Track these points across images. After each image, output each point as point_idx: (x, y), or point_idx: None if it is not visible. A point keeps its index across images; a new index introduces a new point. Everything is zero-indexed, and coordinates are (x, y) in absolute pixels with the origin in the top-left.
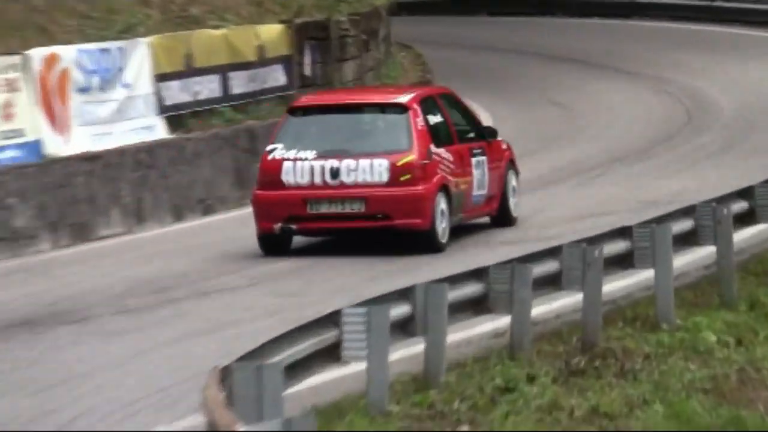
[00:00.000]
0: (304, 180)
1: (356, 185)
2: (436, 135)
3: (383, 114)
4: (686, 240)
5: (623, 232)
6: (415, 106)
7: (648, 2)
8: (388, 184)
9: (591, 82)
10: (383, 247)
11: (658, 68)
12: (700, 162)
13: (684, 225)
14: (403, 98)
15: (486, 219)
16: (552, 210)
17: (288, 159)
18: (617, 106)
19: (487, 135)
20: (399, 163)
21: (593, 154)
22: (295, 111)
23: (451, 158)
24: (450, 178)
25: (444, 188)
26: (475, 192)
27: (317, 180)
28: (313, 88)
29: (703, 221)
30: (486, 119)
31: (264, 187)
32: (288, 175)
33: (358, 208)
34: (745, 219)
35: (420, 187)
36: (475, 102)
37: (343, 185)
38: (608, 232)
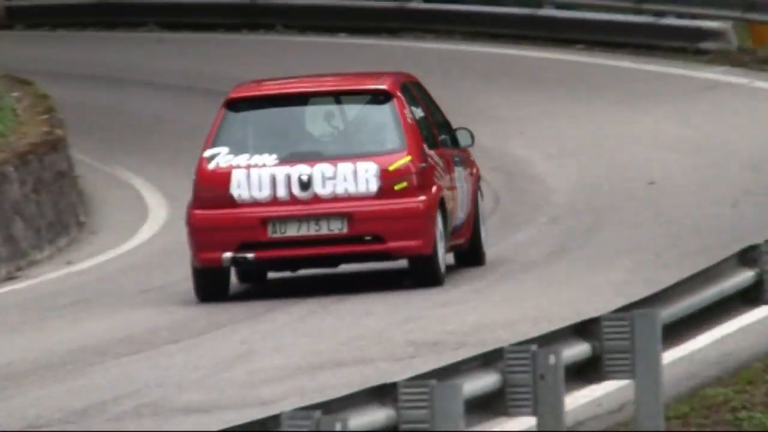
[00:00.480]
0: (263, 194)
1: (335, 198)
2: (423, 133)
3: (361, 104)
4: (489, 406)
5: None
6: (399, 93)
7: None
8: (377, 196)
9: None
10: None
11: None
12: (511, 277)
13: (483, 382)
14: (382, 84)
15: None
16: (266, 355)
17: (238, 167)
18: None
19: (460, 140)
20: (391, 168)
21: None
22: (236, 104)
23: (441, 164)
24: (445, 190)
25: (441, 203)
26: (458, 213)
27: (281, 193)
28: None
29: (514, 375)
30: (159, 206)
31: (204, 206)
32: (240, 189)
33: (338, 228)
34: (586, 369)
35: (419, 199)
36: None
37: (317, 198)
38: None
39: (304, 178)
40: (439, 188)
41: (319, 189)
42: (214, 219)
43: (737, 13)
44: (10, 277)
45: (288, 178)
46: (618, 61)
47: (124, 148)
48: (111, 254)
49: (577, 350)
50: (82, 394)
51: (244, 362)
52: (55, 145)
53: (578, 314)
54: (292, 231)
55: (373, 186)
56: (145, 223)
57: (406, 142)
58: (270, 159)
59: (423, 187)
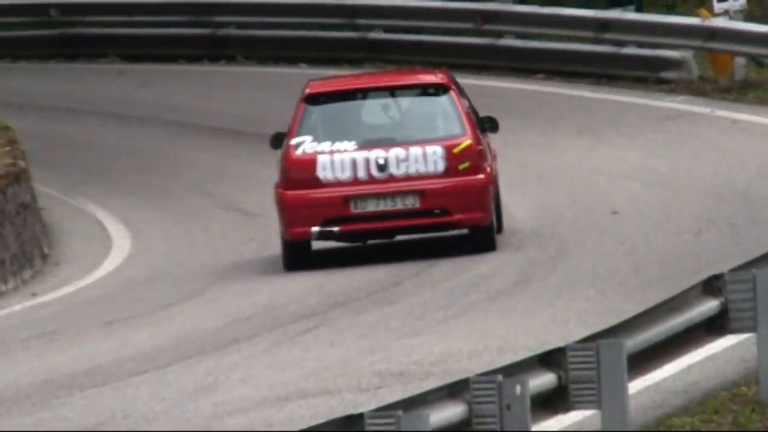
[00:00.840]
0: (346, 175)
1: (408, 177)
2: (474, 120)
3: (423, 96)
4: None
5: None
6: (452, 86)
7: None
8: (445, 174)
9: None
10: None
11: None
12: (476, 306)
13: (450, 412)
14: (439, 78)
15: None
16: (232, 386)
17: (323, 152)
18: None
19: (487, 127)
20: (456, 150)
21: (300, 296)
22: (314, 99)
23: (487, 148)
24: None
25: (494, 180)
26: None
27: (361, 174)
28: None
29: (481, 405)
30: (122, 238)
31: (293, 186)
32: (325, 171)
33: (411, 203)
34: (552, 399)
35: (480, 176)
36: (103, 209)
37: (392, 178)
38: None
39: (381, 161)
40: (491, 167)
41: (394, 170)
42: (303, 198)
43: (698, 42)
44: None
45: (367, 161)
46: (579, 90)
47: (86, 179)
48: (75, 286)
49: (542, 380)
50: (48, 426)
51: (209, 393)
52: (17, 177)
53: (543, 344)
54: (371, 207)
55: (441, 166)
56: (109, 254)
57: (466, 127)
58: (350, 145)
59: (481, 166)
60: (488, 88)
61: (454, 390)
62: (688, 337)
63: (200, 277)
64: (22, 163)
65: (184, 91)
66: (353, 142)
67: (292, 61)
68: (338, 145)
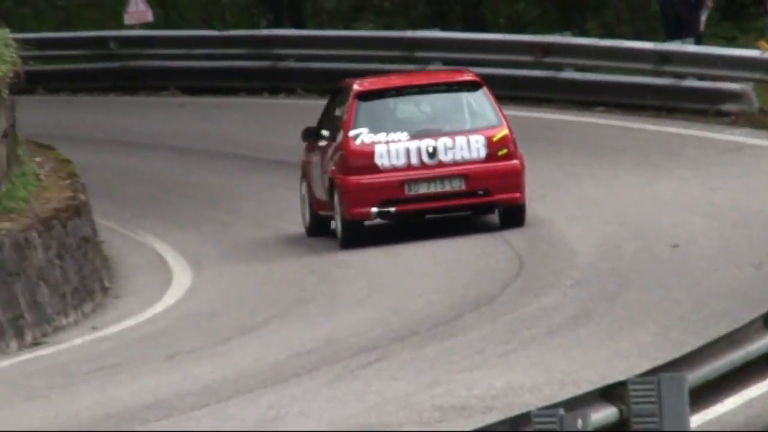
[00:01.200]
0: (400, 162)
1: (455, 163)
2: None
3: (461, 92)
4: None
5: None
6: (484, 83)
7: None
8: (486, 160)
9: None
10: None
11: None
12: (537, 340)
13: None
14: (472, 77)
15: None
16: (293, 420)
17: (380, 142)
18: (400, 246)
19: None
20: (495, 139)
21: (361, 329)
22: (365, 95)
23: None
24: None
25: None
26: None
27: (414, 161)
28: None
29: None
30: (183, 271)
31: (355, 173)
32: (382, 159)
33: (458, 185)
34: None
35: (516, 162)
36: (163, 242)
37: (441, 164)
38: None
39: (431, 149)
40: (521, 154)
41: (443, 157)
42: (364, 183)
43: (758, 75)
44: (36, 343)
45: (419, 149)
46: (639, 123)
47: (146, 212)
48: (136, 319)
49: (604, 414)
50: None
51: (271, 427)
52: (78, 211)
53: (605, 378)
54: (423, 189)
55: (483, 153)
56: (170, 288)
57: (501, 119)
58: (402, 136)
59: (515, 153)
60: (548, 121)
61: (515, 424)
62: (749, 371)
63: (261, 311)
64: (82, 197)
65: (244, 124)
66: (405, 133)
67: None
68: (392, 136)
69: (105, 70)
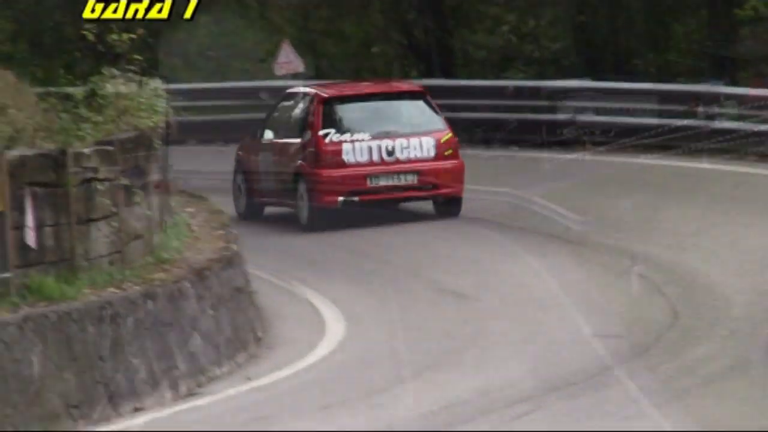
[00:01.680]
0: (364, 158)
1: (410, 161)
2: None
3: (408, 100)
4: None
5: None
6: (426, 92)
7: None
8: (435, 159)
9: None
10: None
11: (620, 232)
12: (693, 391)
13: None
14: (416, 87)
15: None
16: None
17: (346, 141)
18: (552, 296)
19: None
20: (442, 140)
21: (515, 378)
22: (328, 102)
23: None
24: None
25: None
26: None
27: (375, 158)
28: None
29: None
30: (336, 322)
31: (325, 167)
32: (348, 155)
33: (412, 180)
34: None
35: (458, 161)
36: (316, 292)
37: (398, 161)
38: None
39: (390, 148)
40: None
41: (399, 155)
42: (333, 176)
43: None
44: (190, 394)
45: (379, 148)
46: None
47: (298, 263)
48: (290, 370)
49: None
50: None
51: None
52: (231, 261)
53: (762, 428)
54: (382, 182)
55: (432, 153)
56: (323, 338)
57: (445, 124)
58: (365, 136)
59: (457, 153)
60: (699, 171)
61: None
62: None
63: (414, 361)
64: (234, 247)
65: None
66: (367, 134)
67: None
68: (356, 136)
69: (254, 121)
